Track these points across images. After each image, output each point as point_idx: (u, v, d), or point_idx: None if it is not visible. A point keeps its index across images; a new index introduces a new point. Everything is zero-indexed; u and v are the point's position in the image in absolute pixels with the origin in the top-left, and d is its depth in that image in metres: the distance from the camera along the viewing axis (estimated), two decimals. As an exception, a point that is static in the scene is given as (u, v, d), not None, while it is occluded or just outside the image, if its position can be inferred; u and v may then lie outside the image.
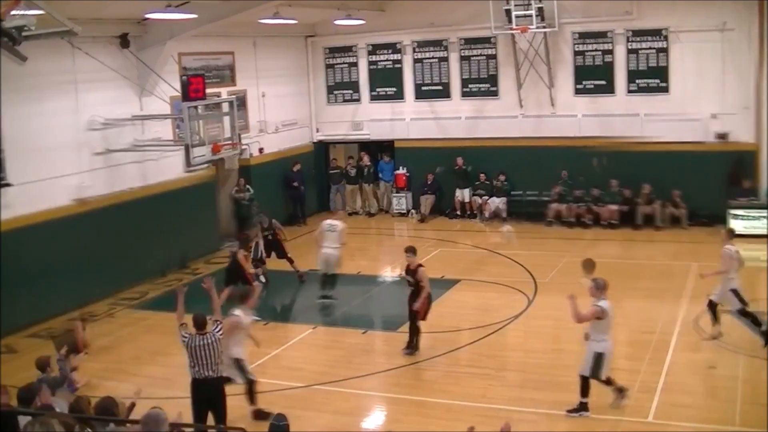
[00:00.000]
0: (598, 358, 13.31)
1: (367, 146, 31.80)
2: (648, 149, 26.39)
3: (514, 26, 26.31)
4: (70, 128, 20.75)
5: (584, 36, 27.44)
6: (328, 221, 20.38)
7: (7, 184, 18.90)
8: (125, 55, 22.11)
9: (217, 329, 12.40)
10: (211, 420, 12.34)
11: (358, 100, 31.19)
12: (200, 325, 12.36)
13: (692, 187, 25.41)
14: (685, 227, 25.22)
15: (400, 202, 30.01)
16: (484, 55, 29.08)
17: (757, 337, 15.72)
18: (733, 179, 25.41)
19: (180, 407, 13.32)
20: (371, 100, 30.97)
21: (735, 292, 15.98)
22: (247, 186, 26.58)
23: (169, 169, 23.36)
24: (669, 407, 13.16)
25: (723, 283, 16.17)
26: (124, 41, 22.00)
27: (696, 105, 26.10)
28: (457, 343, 16.73)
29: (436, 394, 14.34)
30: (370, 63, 30.85)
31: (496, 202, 28.22)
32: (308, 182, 30.04)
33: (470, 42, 29.13)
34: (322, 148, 31.88)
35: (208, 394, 12.36)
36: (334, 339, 17.79)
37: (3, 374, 15.78)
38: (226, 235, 25.89)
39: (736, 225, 23.38)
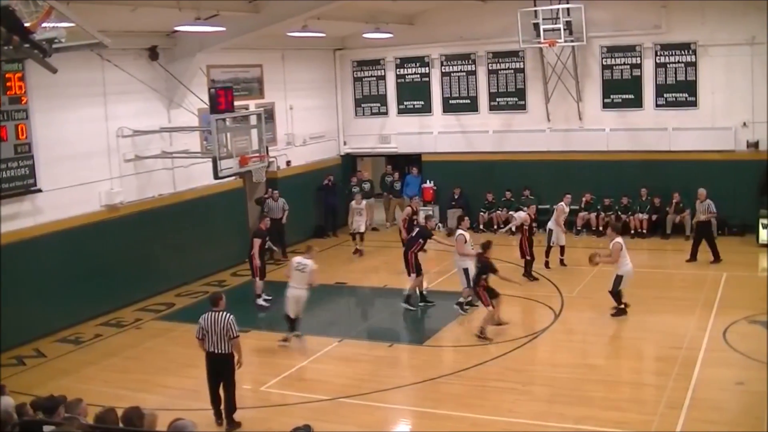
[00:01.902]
0: (618, 279, 18.53)
1: (395, 160, 31.87)
2: (678, 158, 26.39)
3: (542, 40, 26.29)
4: (100, 138, 20.96)
5: (612, 50, 27.39)
6: (298, 259, 18.26)
7: (38, 190, 19.12)
8: (154, 68, 22.25)
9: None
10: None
11: (385, 113, 31.23)
12: (215, 302, 13.93)
13: (723, 196, 25.12)
14: (715, 237, 24.95)
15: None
16: (511, 68, 29.08)
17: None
18: (764, 188, 25.27)
19: (208, 419, 13.51)
20: (399, 113, 30.99)
21: None
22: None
23: (198, 176, 23.50)
24: (697, 423, 13.01)
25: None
26: (153, 54, 22.14)
27: (725, 118, 26.05)
28: (484, 357, 16.63)
29: (463, 408, 14.26)
30: (398, 76, 30.89)
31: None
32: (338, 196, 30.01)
33: (498, 55, 29.13)
34: (350, 161, 31.91)
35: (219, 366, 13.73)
36: (360, 352, 17.75)
37: (34, 379, 15.98)
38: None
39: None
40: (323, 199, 29.46)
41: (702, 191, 23.90)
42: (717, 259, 23.08)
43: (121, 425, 9.66)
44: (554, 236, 23.45)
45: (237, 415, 13.80)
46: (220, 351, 13.61)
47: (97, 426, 9.53)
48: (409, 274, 20.36)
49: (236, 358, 13.81)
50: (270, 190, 26.23)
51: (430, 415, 14.24)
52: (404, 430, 14.33)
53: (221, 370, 13.72)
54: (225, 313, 13.70)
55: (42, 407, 10.25)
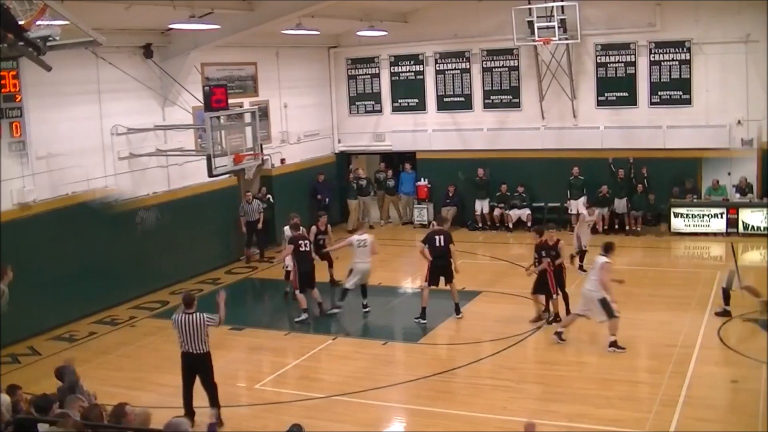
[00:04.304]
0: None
1: (389, 157, 31.86)
2: (673, 156, 26.52)
3: (536, 38, 26.29)
4: (94, 136, 20.94)
5: (607, 48, 27.41)
6: (356, 237, 20.10)
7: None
8: (148, 65, 22.22)
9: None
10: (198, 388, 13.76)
11: (380, 111, 31.22)
12: (188, 304, 13.65)
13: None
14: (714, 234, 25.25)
15: (422, 213, 29.93)
16: (506, 66, 29.07)
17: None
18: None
19: (203, 417, 13.44)
20: (393, 111, 30.98)
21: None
22: (269, 195, 26.69)
23: (192, 174, 23.51)
24: (691, 421, 13.05)
25: None
26: (147, 51, 22.12)
27: (719, 116, 26.17)
28: (478, 355, 16.66)
29: (457, 405, 14.28)
30: (393, 74, 30.92)
31: (518, 213, 28.18)
32: (331, 193, 29.92)
33: (492, 53, 29.13)
34: (344, 159, 31.89)
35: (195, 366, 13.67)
36: (355, 350, 17.77)
37: (28, 377, 15.96)
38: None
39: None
40: (315, 196, 29.44)
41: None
42: None
43: (105, 422, 9.71)
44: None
45: (231, 412, 13.79)
46: (196, 351, 13.54)
47: (90, 423, 9.55)
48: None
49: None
50: (250, 191, 26.04)
51: (425, 413, 14.25)
52: (399, 428, 14.32)
53: (198, 369, 13.69)
54: (198, 313, 13.56)
55: (36, 406, 10.27)
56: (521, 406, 14.08)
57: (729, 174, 26.19)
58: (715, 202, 25.56)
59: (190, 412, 13.60)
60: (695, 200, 25.73)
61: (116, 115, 21.39)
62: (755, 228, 24.67)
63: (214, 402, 13.66)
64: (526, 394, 14.75)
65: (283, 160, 28.13)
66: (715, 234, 25.04)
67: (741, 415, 13.34)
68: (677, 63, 26.58)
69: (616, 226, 26.84)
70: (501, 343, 17.26)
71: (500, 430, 13.33)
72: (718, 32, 25.78)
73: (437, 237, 19.27)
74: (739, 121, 25.84)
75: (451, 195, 29.36)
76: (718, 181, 26.01)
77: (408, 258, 24.81)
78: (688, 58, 26.41)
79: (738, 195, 25.77)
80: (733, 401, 14.06)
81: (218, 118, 20.70)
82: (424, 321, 18.98)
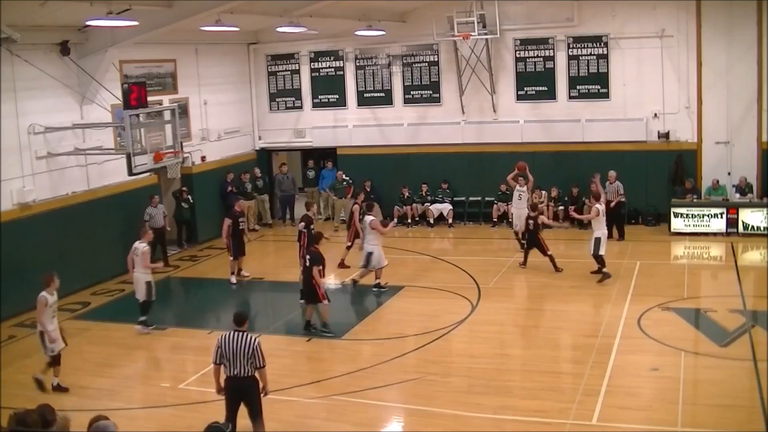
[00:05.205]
0: (597, 241, 20.43)
1: (310, 154, 31.76)
2: (590, 149, 26.96)
3: (456, 33, 26.39)
4: (11, 135, 20.44)
5: (525, 42, 27.64)
6: (135, 243, 19.14)
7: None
8: (66, 63, 21.84)
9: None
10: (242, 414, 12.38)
11: (300, 107, 31.14)
12: (241, 321, 12.36)
13: (636, 185, 26.17)
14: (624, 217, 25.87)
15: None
16: (426, 62, 29.16)
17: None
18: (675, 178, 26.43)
19: (126, 419, 13.22)
20: (313, 107, 30.91)
21: None
22: (189, 196, 26.61)
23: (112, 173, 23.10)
24: (613, 410, 13.26)
25: None
26: (64, 49, 21.71)
27: (636, 109, 26.71)
28: (402, 350, 16.67)
29: (382, 398, 14.29)
30: (313, 70, 30.86)
31: (440, 208, 28.29)
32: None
33: (412, 49, 29.21)
34: (265, 155, 31.71)
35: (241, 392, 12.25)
36: (279, 347, 17.33)
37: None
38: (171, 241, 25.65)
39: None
40: (279, 189, 29.98)
41: (612, 173, 25.30)
42: (622, 237, 24.96)
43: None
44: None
45: (166, 413, 13.60)
46: (244, 374, 12.15)
47: (16, 430, 9.36)
48: None
49: (261, 385, 12.35)
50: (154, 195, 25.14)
51: (355, 404, 14.21)
52: (324, 425, 14.14)
53: (244, 395, 12.29)
54: (250, 335, 12.31)
55: (20, 422, 10.01)
56: (447, 399, 14.13)
57: (729, 174, 26.24)
58: (715, 202, 25.39)
59: None
60: (695, 200, 25.63)
61: (33, 113, 20.83)
62: (755, 228, 24.60)
63: None
64: (451, 387, 14.79)
65: (203, 158, 27.89)
66: (715, 234, 24.90)
67: (661, 402, 13.54)
68: (595, 57, 26.94)
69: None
70: (425, 337, 17.28)
71: (425, 421, 13.38)
72: (634, 27, 26.23)
73: None
74: (655, 115, 26.27)
75: (368, 190, 29.22)
76: (718, 181, 25.95)
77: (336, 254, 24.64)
78: (605, 52, 26.77)
79: (738, 195, 25.67)
80: (654, 389, 14.24)
81: (137, 116, 20.47)
82: None
